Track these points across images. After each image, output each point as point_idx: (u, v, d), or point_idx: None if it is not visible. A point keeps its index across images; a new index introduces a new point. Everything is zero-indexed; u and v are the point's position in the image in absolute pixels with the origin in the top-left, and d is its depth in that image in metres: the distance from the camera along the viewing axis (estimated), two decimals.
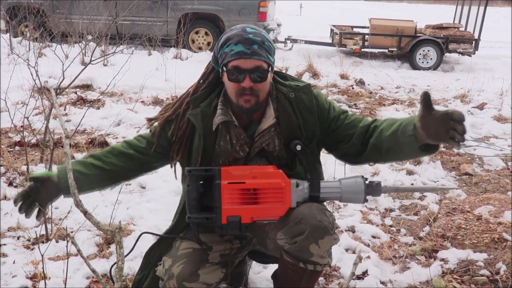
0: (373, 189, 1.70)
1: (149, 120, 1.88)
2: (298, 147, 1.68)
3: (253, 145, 1.73)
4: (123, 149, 1.81)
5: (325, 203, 1.80)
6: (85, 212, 1.95)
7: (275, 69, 1.77)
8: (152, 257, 1.84)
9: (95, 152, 1.85)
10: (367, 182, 1.70)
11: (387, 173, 3.67)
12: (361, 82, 7.01)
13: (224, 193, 1.61)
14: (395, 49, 9.09)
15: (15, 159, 3.66)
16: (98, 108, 5.23)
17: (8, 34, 7.64)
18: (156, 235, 1.88)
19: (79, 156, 3.65)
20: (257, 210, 1.62)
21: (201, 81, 1.79)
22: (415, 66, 8.76)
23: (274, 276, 2.06)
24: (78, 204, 1.96)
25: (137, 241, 1.75)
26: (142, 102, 5.58)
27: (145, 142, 1.81)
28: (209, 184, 1.65)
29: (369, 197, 1.76)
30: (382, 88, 7.03)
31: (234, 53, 1.60)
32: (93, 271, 1.82)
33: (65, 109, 4.98)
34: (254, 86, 1.62)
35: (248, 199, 1.62)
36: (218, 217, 1.62)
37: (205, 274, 1.69)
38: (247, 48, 1.60)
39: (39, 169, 3.43)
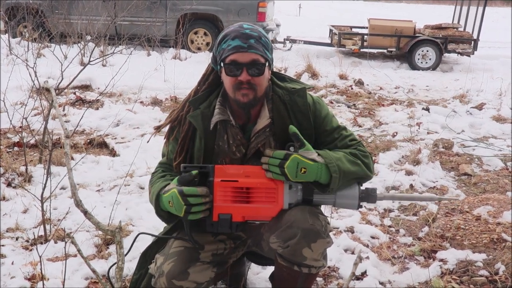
0: (368, 195, 1.69)
1: (157, 128, 1.91)
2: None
3: (249, 146, 1.74)
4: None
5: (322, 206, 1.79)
6: (85, 212, 1.95)
7: (274, 70, 1.77)
8: (149, 256, 1.85)
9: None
10: (362, 188, 1.70)
11: (386, 173, 3.67)
12: (360, 82, 7.01)
13: (217, 190, 1.62)
14: (394, 49, 9.09)
15: (14, 159, 3.65)
16: (97, 108, 5.23)
17: (7, 34, 7.64)
18: (153, 235, 1.88)
19: (77, 156, 3.65)
20: (249, 209, 1.62)
21: (201, 82, 1.80)
22: (414, 66, 8.77)
23: (272, 277, 2.06)
24: (78, 204, 1.96)
25: (134, 241, 1.76)
26: (141, 102, 5.57)
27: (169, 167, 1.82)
28: (203, 181, 1.65)
29: (364, 203, 1.75)
30: (381, 88, 7.03)
31: (231, 47, 1.62)
32: (93, 271, 1.82)
33: (64, 110, 4.97)
34: (252, 80, 1.63)
35: (240, 198, 1.62)
36: (210, 214, 1.62)
37: (195, 272, 1.69)
38: (243, 42, 1.62)
39: (37, 170, 3.43)
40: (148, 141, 2.04)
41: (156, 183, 1.74)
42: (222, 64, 1.66)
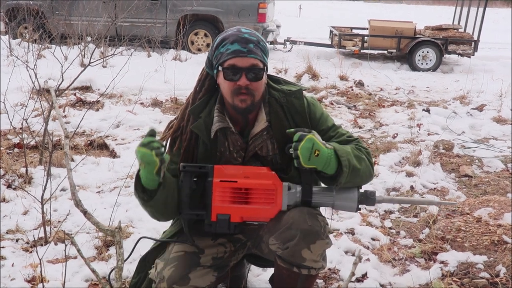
0: (367, 198, 1.69)
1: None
2: (291, 150, 1.68)
3: (247, 149, 1.74)
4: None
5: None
6: (84, 212, 1.96)
7: (269, 72, 1.77)
8: (148, 260, 1.84)
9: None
10: (361, 190, 1.70)
11: (386, 175, 3.67)
12: (360, 84, 7.01)
13: (216, 190, 1.62)
14: (394, 51, 9.09)
15: (14, 161, 3.65)
16: (97, 109, 5.23)
17: (7, 35, 7.64)
18: (154, 240, 1.88)
19: (78, 158, 3.64)
20: (247, 210, 1.63)
21: (197, 89, 1.79)
22: (414, 68, 8.76)
23: (272, 279, 2.06)
24: (78, 204, 1.96)
25: (135, 245, 1.76)
26: (142, 103, 5.57)
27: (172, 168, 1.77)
28: (202, 181, 1.65)
29: (362, 206, 1.75)
30: (381, 89, 7.03)
31: (230, 51, 1.61)
32: (93, 271, 1.82)
33: (64, 111, 4.97)
34: (250, 85, 1.63)
35: (239, 198, 1.62)
36: (208, 214, 1.63)
37: (195, 277, 1.68)
38: (243, 46, 1.61)
39: (38, 171, 3.42)
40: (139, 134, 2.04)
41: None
42: (219, 68, 1.64)
